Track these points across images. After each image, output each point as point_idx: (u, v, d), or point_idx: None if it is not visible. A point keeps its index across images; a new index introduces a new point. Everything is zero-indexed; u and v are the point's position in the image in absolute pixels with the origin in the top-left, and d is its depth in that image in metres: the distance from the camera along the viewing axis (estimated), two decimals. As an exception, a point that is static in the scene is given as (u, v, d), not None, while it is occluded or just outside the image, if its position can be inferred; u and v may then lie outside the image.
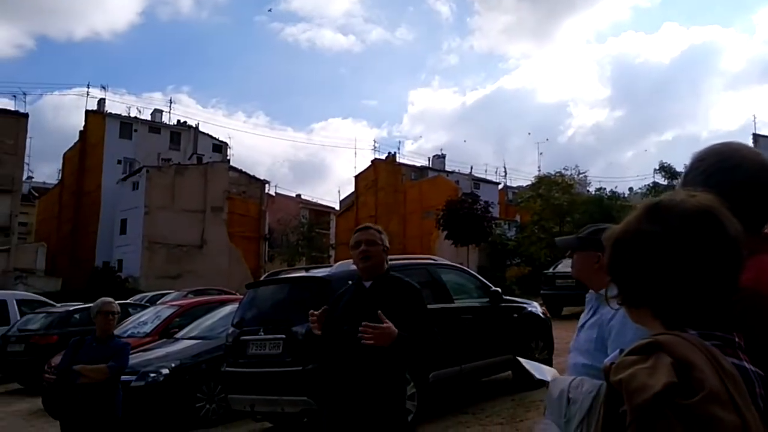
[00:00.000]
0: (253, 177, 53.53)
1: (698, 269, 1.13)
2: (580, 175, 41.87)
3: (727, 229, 1.16)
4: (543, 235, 39.27)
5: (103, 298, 5.37)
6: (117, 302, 5.52)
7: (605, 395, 1.12)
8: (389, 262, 3.70)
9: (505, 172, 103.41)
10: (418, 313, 3.44)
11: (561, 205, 39.05)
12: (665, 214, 1.18)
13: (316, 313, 3.42)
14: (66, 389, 5.02)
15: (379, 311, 3.23)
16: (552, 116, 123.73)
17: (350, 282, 3.68)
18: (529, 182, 46.69)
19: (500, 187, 64.67)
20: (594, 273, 2.58)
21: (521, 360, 2.91)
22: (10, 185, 46.37)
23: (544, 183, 41.04)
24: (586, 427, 2.12)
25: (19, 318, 14.45)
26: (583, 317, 2.66)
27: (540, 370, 2.70)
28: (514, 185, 63.68)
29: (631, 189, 49.71)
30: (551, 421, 2.34)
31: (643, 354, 1.06)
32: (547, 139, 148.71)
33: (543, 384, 2.45)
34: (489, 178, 63.97)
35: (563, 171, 40.79)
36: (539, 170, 50.68)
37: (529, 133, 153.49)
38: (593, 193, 45.33)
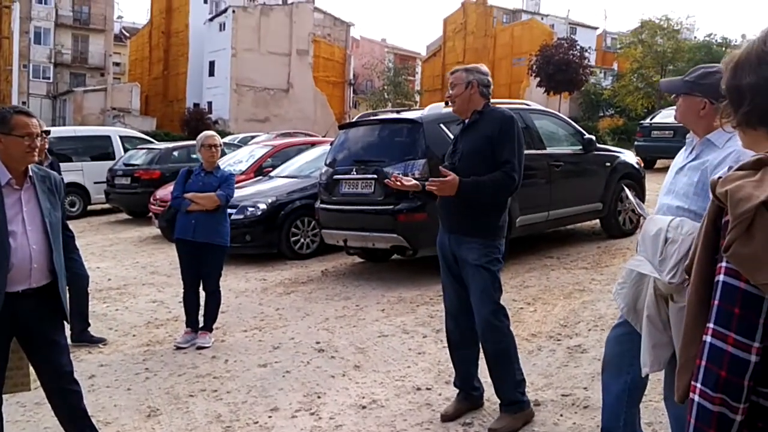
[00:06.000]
0: (338, 19, 52.52)
1: None
2: (689, 19, 38.73)
3: None
4: (641, 85, 37.19)
5: (206, 132, 5.58)
6: None
7: (709, 208, 1.16)
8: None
9: (605, 15, 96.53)
10: (503, 141, 3.58)
11: (664, 52, 36.57)
12: None
13: (400, 179, 3.70)
14: (179, 215, 5.40)
15: (441, 167, 3.52)
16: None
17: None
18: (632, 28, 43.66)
19: (599, 32, 60.90)
20: (700, 119, 2.48)
21: (627, 191, 2.99)
22: (102, 24, 47.41)
23: (647, 27, 38.21)
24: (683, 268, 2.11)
25: (123, 153, 15.30)
26: (681, 159, 2.57)
27: (641, 206, 2.72)
28: (614, 31, 59.83)
29: (743, 36, 45.68)
30: (644, 258, 2.35)
31: (751, 169, 1.09)
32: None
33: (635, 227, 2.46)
34: (587, 22, 60.20)
35: (669, 15, 37.81)
36: (643, 14, 47.13)
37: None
38: (701, 40, 41.91)
